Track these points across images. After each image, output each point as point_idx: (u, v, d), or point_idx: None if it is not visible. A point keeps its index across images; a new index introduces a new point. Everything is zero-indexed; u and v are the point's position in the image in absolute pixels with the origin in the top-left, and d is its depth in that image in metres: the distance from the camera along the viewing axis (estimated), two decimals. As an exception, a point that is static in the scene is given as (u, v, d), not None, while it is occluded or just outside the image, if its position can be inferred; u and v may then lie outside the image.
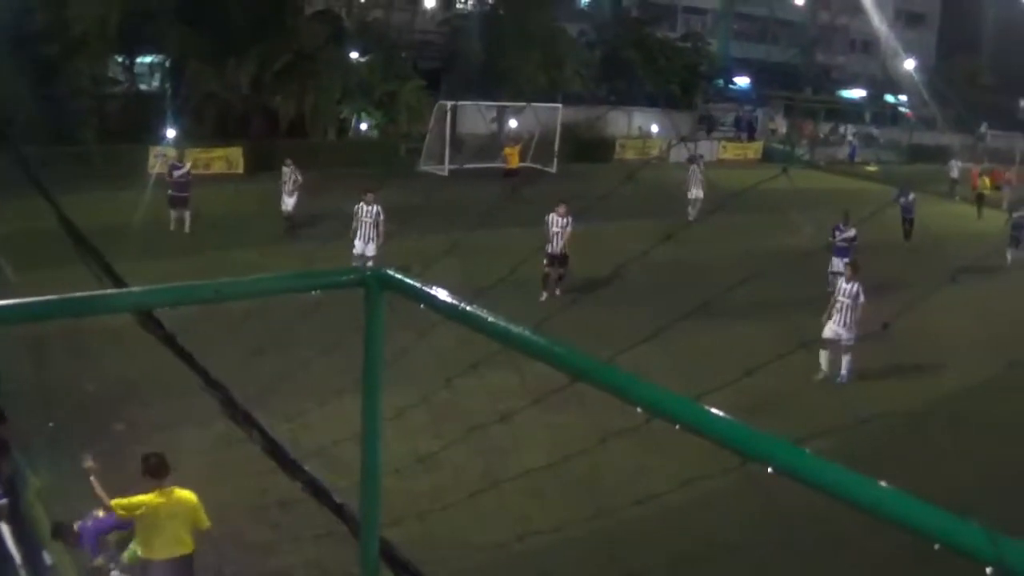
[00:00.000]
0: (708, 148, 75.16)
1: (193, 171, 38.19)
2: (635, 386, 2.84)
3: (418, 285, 3.71)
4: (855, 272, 25.63)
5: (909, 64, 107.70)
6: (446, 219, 26.91)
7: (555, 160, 58.02)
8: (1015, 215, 42.85)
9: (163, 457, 12.63)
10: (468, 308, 3.48)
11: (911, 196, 45.74)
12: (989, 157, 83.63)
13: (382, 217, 30.98)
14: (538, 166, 57.26)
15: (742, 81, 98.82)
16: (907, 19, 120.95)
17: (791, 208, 36.52)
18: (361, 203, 31.13)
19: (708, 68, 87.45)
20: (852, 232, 32.81)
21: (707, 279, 26.53)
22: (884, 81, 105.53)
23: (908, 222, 44.48)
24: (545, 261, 30.68)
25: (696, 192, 44.55)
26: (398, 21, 73.08)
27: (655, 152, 65.39)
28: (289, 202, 37.04)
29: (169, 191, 36.75)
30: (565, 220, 31.28)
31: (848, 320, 24.99)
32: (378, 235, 30.98)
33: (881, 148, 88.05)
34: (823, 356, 25.21)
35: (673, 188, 44.18)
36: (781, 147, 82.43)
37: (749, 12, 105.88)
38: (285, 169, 37.47)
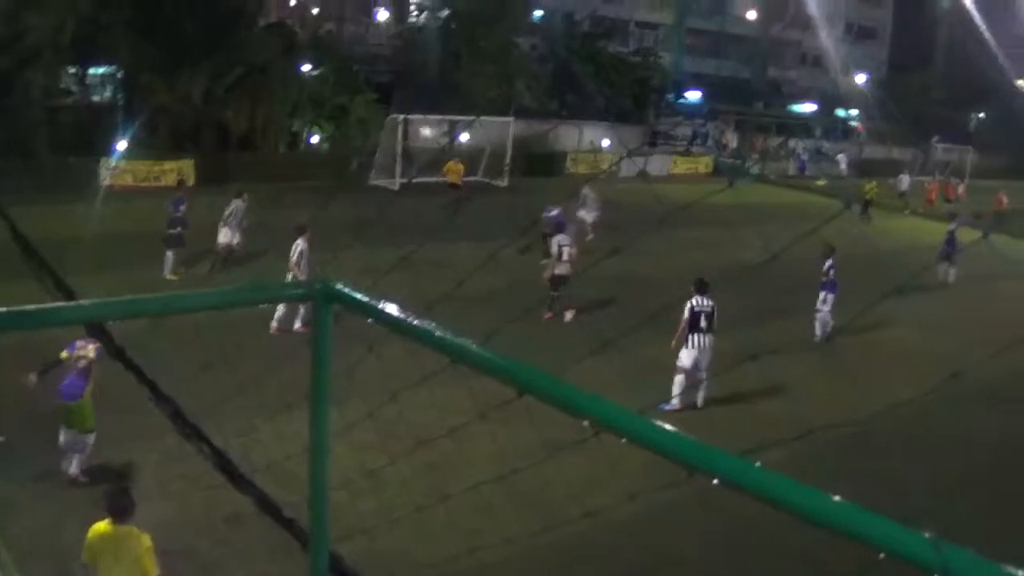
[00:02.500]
0: (660, 163, 75.62)
1: (144, 183, 37.54)
2: (581, 399, 2.87)
3: (366, 299, 3.73)
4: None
5: (860, 78, 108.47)
6: (396, 233, 26.90)
7: (506, 174, 58.05)
8: (948, 228, 42.92)
9: (126, 498, 12.28)
10: (416, 322, 3.51)
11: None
12: (940, 171, 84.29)
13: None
14: (488, 180, 57.21)
15: (693, 95, 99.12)
16: (858, 33, 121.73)
17: (741, 222, 36.68)
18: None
19: (659, 82, 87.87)
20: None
21: (656, 293, 26.61)
22: (835, 95, 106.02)
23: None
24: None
25: (586, 214, 42.47)
26: (350, 34, 73.14)
27: (606, 166, 65.43)
28: (231, 235, 33.44)
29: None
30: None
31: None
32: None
33: (831, 162, 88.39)
34: None
35: (623, 202, 44.22)
36: (732, 161, 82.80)
37: (701, 27, 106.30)
38: (239, 203, 33.84)
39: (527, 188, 50.66)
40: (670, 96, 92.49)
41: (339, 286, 3.88)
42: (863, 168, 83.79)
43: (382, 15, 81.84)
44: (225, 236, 33.36)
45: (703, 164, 79.96)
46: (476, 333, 3.50)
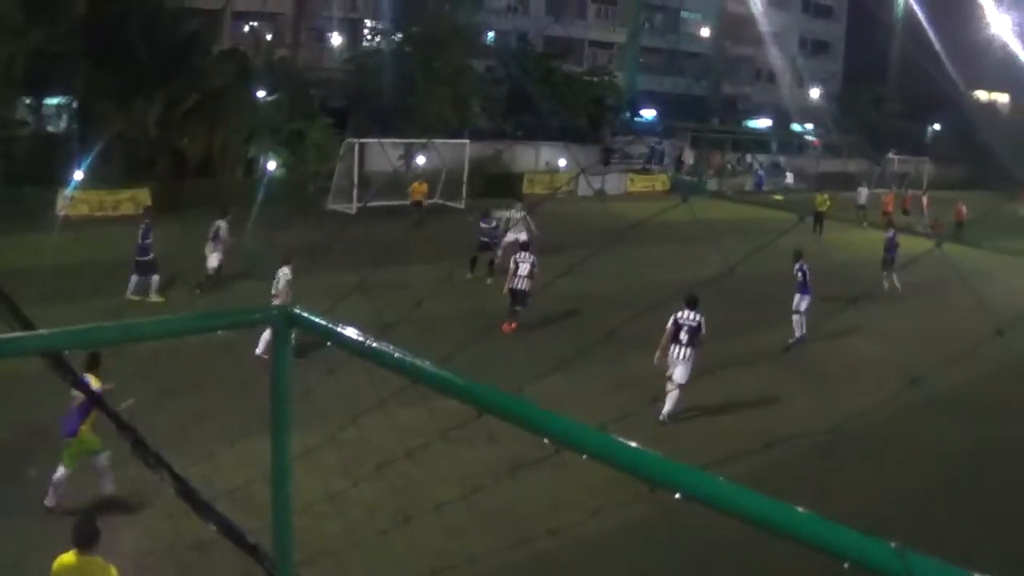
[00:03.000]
0: (616, 181, 75.83)
1: (99, 213, 37.40)
2: (541, 417, 2.88)
3: (325, 323, 3.74)
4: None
5: (815, 93, 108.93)
6: (354, 257, 26.86)
7: (463, 195, 58.08)
8: (886, 236, 43.15)
9: (92, 527, 12.19)
10: (375, 345, 3.52)
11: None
12: (897, 183, 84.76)
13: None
14: (445, 202, 57.27)
15: (649, 113, 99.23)
16: (812, 48, 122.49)
17: (698, 239, 36.71)
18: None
19: (614, 101, 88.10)
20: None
21: (611, 312, 26.69)
22: (790, 110, 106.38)
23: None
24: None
25: (515, 235, 40.03)
26: (305, 60, 72.98)
27: (562, 186, 65.57)
28: (219, 255, 34.44)
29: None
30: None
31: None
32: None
33: (788, 177, 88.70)
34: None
35: (578, 220, 44.26)
36: (689, 178, 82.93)
37: (655, 45, 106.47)
38: (223, 224, 34.61)
39: (480, 212, 50.83)
40: (625, 114, 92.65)
41: (298, 310, 3.88)
42: (819, 181, 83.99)
43: (336, 40, 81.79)
44: (215, 259, 34.22)
45: (660, 181, 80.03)
46: (435, 354, 3.52)
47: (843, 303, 31.95)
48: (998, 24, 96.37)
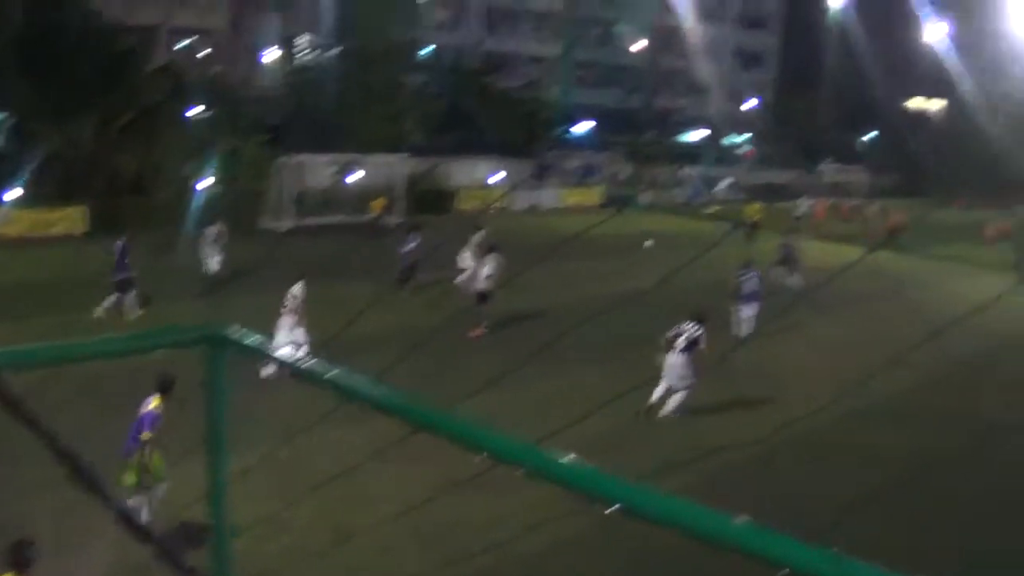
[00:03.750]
0: (551, 196, 75.98)
1: (33, 233, 37.25)
2: (475, 433, 2.92)
3: (259, 343, 3.75)
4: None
5: (748, 104, 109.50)
6: (289, 275, 26.83)
7: (398, 212, 57.81)
8: (781, 242, 43.99)
9: (27, 548, 12.17)
10: (309, 364, 3.53)
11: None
12: (832, 191, 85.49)
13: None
14: (381, 218, 57.29)
15: (583, 127, 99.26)
16: (745, 59, 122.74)
17: (633, 252, 36.88)
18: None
19: (549, 115, 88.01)
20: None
21: (548, 325, 26.77)
22: (724, 122, 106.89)
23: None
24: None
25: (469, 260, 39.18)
26: (241, 76, 72.60)
27: (496, 201, 65.68)
28: (217, 260, 36.40)
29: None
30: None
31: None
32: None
33: (723, 188, 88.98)
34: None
35: (513, 236, 44.20)
36: (623, 191, 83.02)
37: (589, 59, 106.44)
38: (214, 229, 37.01)
39: (420, 225, 50.73)
40: (560, 128, 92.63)
41: (231, 330, 3.88)
42: (754, 192, 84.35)
43: (271, 55, 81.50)
44: (215, 263, 36.08)
45: (594, 195, 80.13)
46: (369, 371, 3.54)
47: (776, 312, 32.18)
48: (932, 32, 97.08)
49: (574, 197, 78.16)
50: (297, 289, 27.01)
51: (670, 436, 23.63)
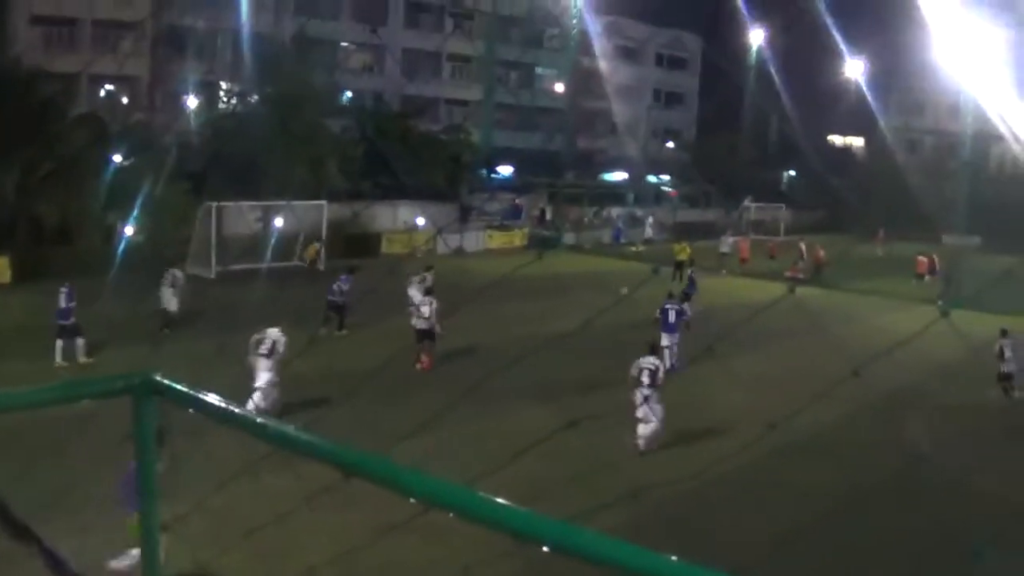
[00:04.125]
0: (475, 238, 76.43)
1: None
2: (407, 477, 2.92)
3: (188, 390, 3.73)
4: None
5: (669, 144, 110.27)
6: (213, 322, 26.74)
7: (322, 258, 57.88)
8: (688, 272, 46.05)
9: None
10: (239, 411, 3.52)
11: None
12: (755, 229, 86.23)
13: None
14: (304, 264, 57.34)
15: (505, 169, 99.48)
16: (666, 100, 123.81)
17: (558, 293, 36.99)
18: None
19: (471, 158, 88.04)
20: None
21: (476, 367, 26.78)
22: (646, 162, 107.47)
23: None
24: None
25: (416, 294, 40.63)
26: (162, 123, 72.24)
27: (420, 245, 65.77)
28: (174, 301, 38.08)
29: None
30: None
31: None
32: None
33: (648, 228, 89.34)
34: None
35: (438, 279, 44.19)
36: (547, 233, 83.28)
37: (510, 102, 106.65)
38: (176, 273, 39.08)
39: (344, 270, 50.67)
40: (482, 171, 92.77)
41: (160, 378, 3.87)
42: (678, 231, 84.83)
43: (192, 102, 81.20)
44: (172, 304, 37.83)
45: (518, 237, 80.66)
46: (300, 417, 3.54)
47: (701, 349, 32.32)
48: (851, 69, 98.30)
49: (498, 239, 78.64)
50: (275, 333, 27.38)
51: (597, 477, 23.61)
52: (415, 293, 39.31)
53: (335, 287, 39.27)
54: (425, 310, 34.00)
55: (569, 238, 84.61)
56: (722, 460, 20.38)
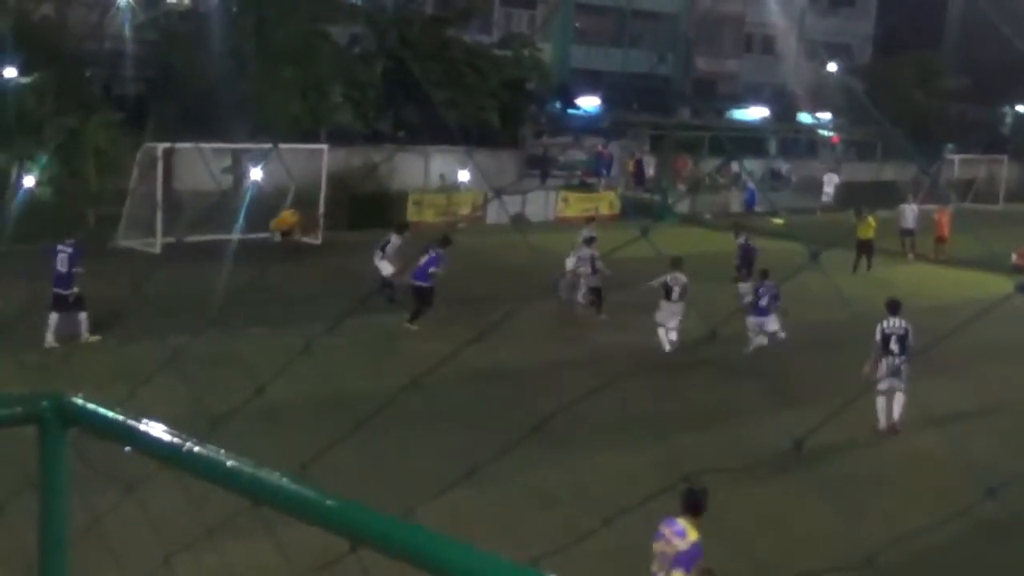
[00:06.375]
0: (542, 202, 75.16)
1: None
2: (442, 548, 2.87)
3: (118, 417, 3.69)
4: None
5: (832, 66, 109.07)
6: (160, 317, 26.74)
7: (320, 227, 57.58)
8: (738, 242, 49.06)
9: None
10: (195, 449, 3.47)
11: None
12: (960, 194, 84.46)
13: None
14: (299, 236, 56.98)
15: (589, 103, 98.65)
16: (829, 2, 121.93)
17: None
18: None
19: (539, 85, 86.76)
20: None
21: (539, 392, 26.76)
22: (796, 94, 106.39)
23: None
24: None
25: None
26: (81, 22, 71.04)
27: (464, 210, 65.13)
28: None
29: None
30: None
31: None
32: None
33: (793, 191, 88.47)
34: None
35: (489, 260, 44.18)
36: (648, 196, 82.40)
37: (596, 2, 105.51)
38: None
39: (351, 246, 50.26)
40: (555, 104, 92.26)
41: (76, 400, 3.82)
42: (842, 196, 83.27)
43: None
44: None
45: (605, 202, 79.45)
46: (285, 460, 3.49)
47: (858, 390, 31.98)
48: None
49: (577, 205, 77.31)
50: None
51: (722, 558, 23.50)
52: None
53: (423, 264, 38.77)
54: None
55: (681, 205, 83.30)
56: (901, 539, 20.19)
